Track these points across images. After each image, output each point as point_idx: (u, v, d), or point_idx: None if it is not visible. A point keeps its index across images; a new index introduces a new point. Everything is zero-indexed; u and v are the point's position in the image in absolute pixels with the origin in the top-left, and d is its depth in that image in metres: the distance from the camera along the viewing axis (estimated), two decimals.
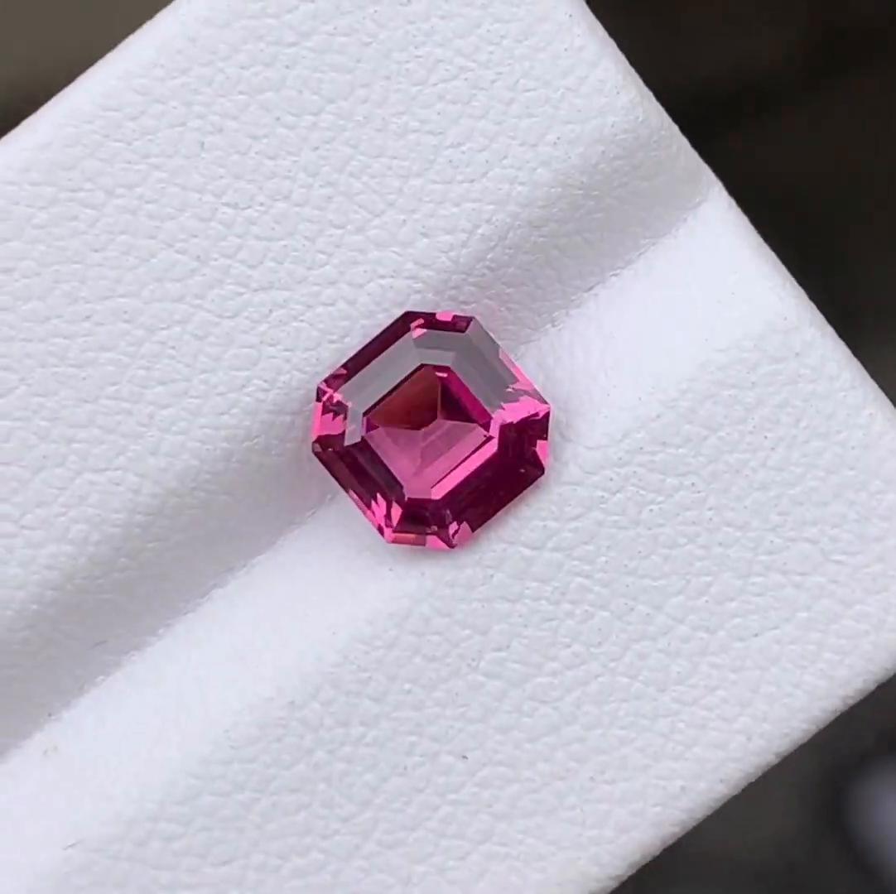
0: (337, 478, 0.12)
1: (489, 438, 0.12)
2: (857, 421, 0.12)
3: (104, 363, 0.12)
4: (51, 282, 0.12)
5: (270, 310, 0.12)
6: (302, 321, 0.12)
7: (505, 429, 0.11)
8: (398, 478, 0.12)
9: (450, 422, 0.12)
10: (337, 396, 0.12)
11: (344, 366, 0.12)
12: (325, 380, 0.12)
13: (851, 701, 0.12)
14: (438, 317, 0.12)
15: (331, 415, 0.12)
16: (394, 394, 0.12)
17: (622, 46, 0.12)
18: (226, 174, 0.12)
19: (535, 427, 0.12)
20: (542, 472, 0.12)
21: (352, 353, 0.12)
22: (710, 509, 0.12)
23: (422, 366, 0.11)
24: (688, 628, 0.12)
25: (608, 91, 0.12)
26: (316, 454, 0.12)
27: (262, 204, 0.12)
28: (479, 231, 0.12)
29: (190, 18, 0.12)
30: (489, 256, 0.12)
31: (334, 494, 0.12)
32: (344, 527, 0.12)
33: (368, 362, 0.12)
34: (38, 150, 0.12)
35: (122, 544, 0.12)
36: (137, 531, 0.12)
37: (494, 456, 0.12)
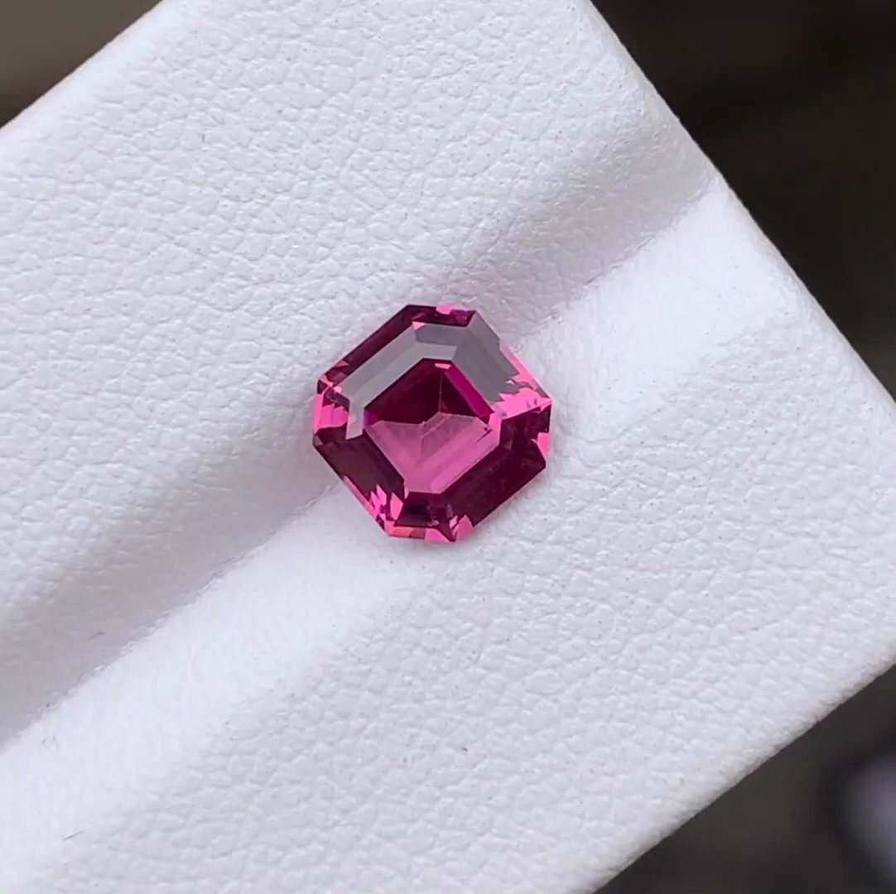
0: (337, 471, 0.12)
1: (490, 432, 0.12)
2: (857, 415, 0.12)
3: (104, 355, 0.12)
4: (51, 274, 0.12)
5: (271, 303, 0.12)
6: (303, 314, 0.12)
7: (506, 422, 0.11)
8: (399, 472, 0.12)
9: (451, 416, 0.12)
10: (338, 389, 0.12)
11: (345, 359, 0.12)
12: (327, 374, 0.12)
13: (850, 694, 0.12)
14: (440, 310, 0.12)
15: (332, 408, 0.12)
16: (395, 387, 0.12)
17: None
18: (227, 166, 0.12)
19: (537, 420, 0.12)
20: (543, 466, 0.12)
21: (353, 346, 0.12)
22: (710, 503, 0.12)
23: (423, 360, 0.11)
24: (687, 621, 0.12)
25: (610, 85, 0.12)
26: (317, 447, 0.12)
27: (263, 196, 0.12)
28: (481, 224, 0.12)
29: (191, 10, 0.11)
30: (490, 250, 0.12)
31: (334, 486, 0.12)
32: (344, 519, 0.12)
33: (370, 356, 0.12)
34: (39, 142, 0.11)
35: (122, 536, 0.12)
36: (137, 523, 0.12)
37: (495, 449, 0.12)
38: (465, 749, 0.12)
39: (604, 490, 0.12)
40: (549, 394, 0.12)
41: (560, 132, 0.12)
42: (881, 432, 0.12)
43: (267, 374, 0.12)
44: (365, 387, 0.12)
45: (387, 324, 0.12)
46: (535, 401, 0.12)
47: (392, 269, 0.12)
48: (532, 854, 0.12)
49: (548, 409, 0.12)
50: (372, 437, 0.12)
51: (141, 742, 0.12)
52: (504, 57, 0.12)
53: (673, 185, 0.12)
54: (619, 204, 0.12)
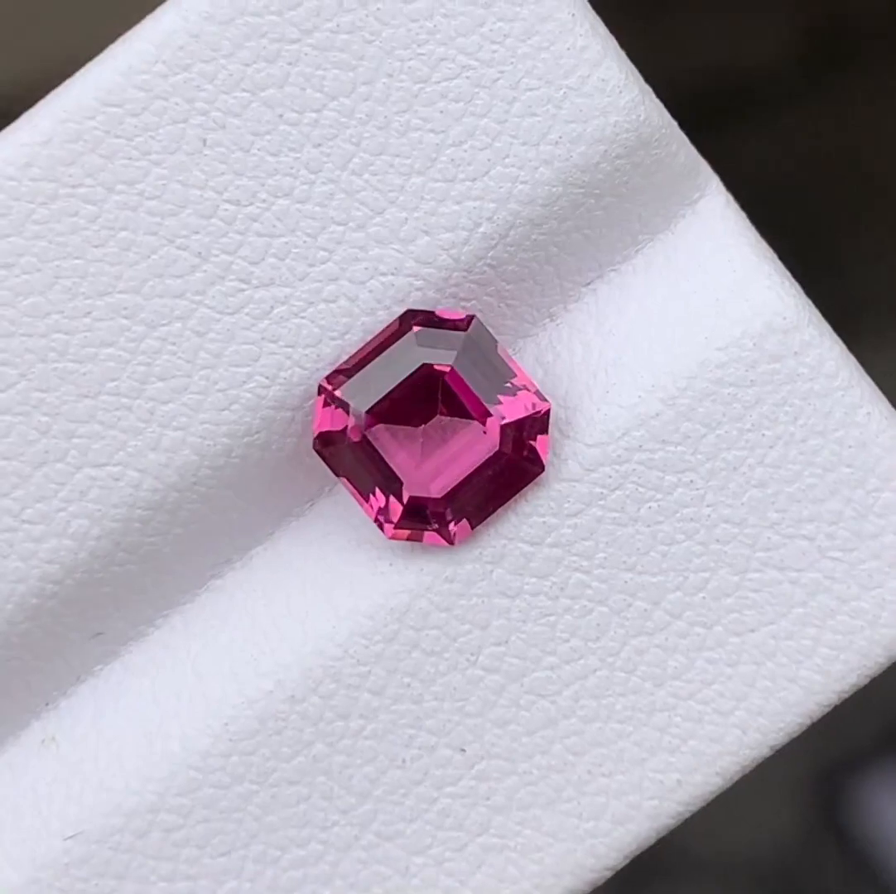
0: (337, 475, 0.12)
1: (490, 435, 0.12)
2: (854, 419, 0.12)
3: (104, 359, 0.12)
4: (51, 277, 0.12)
5: (272, 307, 0.12)
6: (303, 318, 0.12)
7: (506, 426, 0.12)
8: (399, 475, 0.12)
9: (450, 420, 0.12)
10: (338, 393, 0.12)
11: (345, 363, 0.12)
12: (327, 377, 0.12)
13: (845, 696, 0.12)
14: (440, 315, 0.12)
15: (332, 411, 0.12)
16: (395, 391, 0.12)
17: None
18: (227, 171, 0.12)
19: (536, 424, 0.12)
20: (542, 470, 0.12)
21: (353, 350, 0.12)
22: (708, 506, 0.12)
23: (423, 364, 0.12)
24: (685, 623, 0.12)
25: (610, 90, 0.12)
26: (317, 450, 0.12)
27: (263, 201, 0.12)
28: (481, 229, 0.12)
29: (192, 14, 0.12)
30: (490, 254, 0.12)
31: (332, 487, 0.12)
32: (342, 521, 0.12)
33: (370, 360, 0.12)
34: (39, 146, 0.11)
35: (122, 538, 0.12)
36: (137, 526, 0.12)
37: (495, 453, 0.12)
38: (463, 750, 0.12)
39: (602, 493, 0.12)
40: (547, 398, 0.12)
41: (560, 137, 0.12)
42: (878, 436, 0.12)
43: (267, 378, 0.12)
44: (365, 391, 0.12)
45: (387, 328, 0.12)
46: (535, 405, 0.12)
47: (392, 273, 0.12)
48: (530, 854, 0.12)
49: (547, 413, 0.12)
50: (372, 441, 0.12)
51: (141, 742, 0.12)
52: (504, 62, 0.12)
53: (671, 189, 0.12)
54: (618, 208, 0.12)
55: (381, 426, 0.12)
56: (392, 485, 0.12)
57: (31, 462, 0.12)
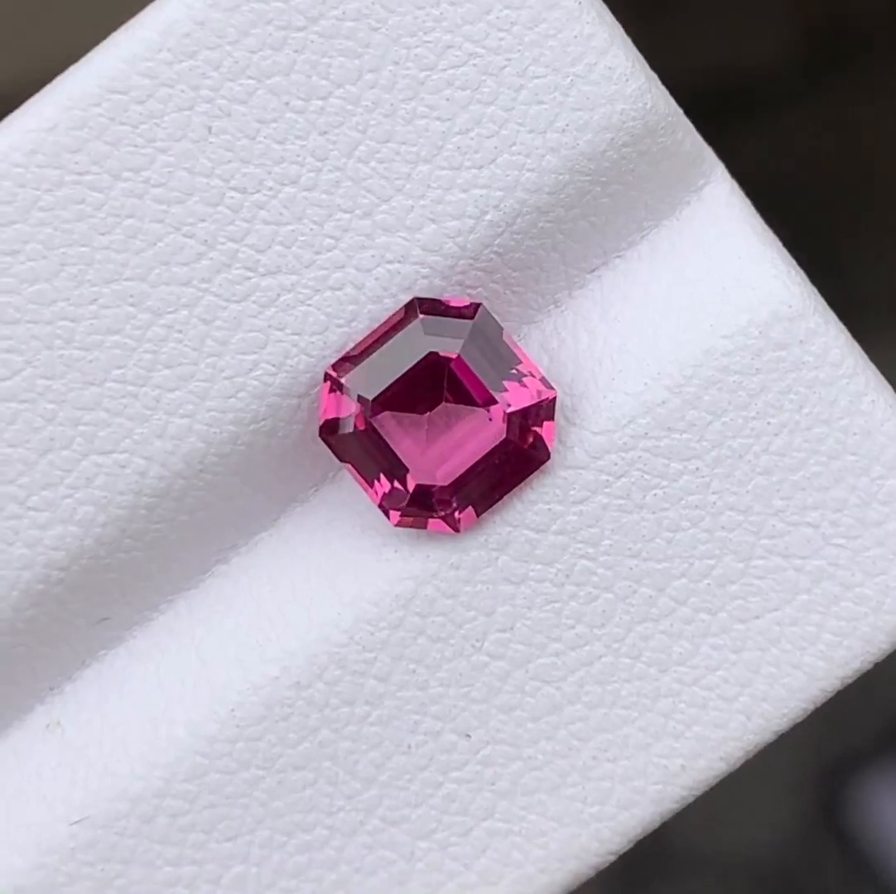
0: (344, 462, 0.12)
1: (496, 423, 0.12)
2: (859, 407, 0.12)
3: (110, 346, 0.12)
4: (57, 264, 0.12)
5: (278, 295, 0.12)
6: (309, 305, 0.12)
7: (512, 414, 0.12)
8: (405, 463, 0.12)
9: (456, 407, 0.12)
10: (344, 381, 0.12)
11: (352, 350, 0.12)
12: (333, 365, 0.12)
13: (848, 681, 0.12)
14: (446, 303, 0.12)
15: (338, 399, 0.12)
16: (401, 379, 0.12)
17: None
18: (234, 158, 0.12)
19: (542, 412, 0.12)
20: (548, 457, 0.12)
21: (359, 338, 0.12)
22: (713, 493, 0.12)
23: (430, 353, 0.12)
24: (690, 610, 0.12)
25: (617, 78, 0.12)
26: (323, 438, 0.12)
27: (270, 188, 0.12)
28: (487, 217, 0.12)
29: (197, 1, 0.11)
30: (496, 242, 0.12)
31: (336, 473, 0.12)
32: (347, 507, 0.12)
33: (376, 347, 0.12)
34: (45, 133, 0.11)
35: (128, 525, 0.12)
36: (143, 512, 0.12)
37: (501, 441, 0.12)
38: (468, 736, 0.12)
39: (608, 480, 0.12)
40: (553, 385, 0.12)
41: (567, 125, 0.12)
42: (883, 424, 0.12)
43: (273, 365, 0.12)
44: (371, 379, 0.12)
45: (393, 315, 0.12)
46: (540, 393, 0.12)
47: (398, 261, 0.12)
48: (534, 838, 0.12)
49: (553, 401, 0.12)
50: (378, 429, 0.12)
51: (146, 727, 0.12)
52: (511, 50, 0.12)
53: (676, 176, 0.12)
54: (624, 195, 0.12)
55: (386, 413, 0.12)
56: (398, 472, 0.12)
57: (36, 449, 0.12)
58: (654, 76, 0.12)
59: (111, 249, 0.12)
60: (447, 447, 0.12)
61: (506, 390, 0.12)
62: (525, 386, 0.12)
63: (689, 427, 0.12)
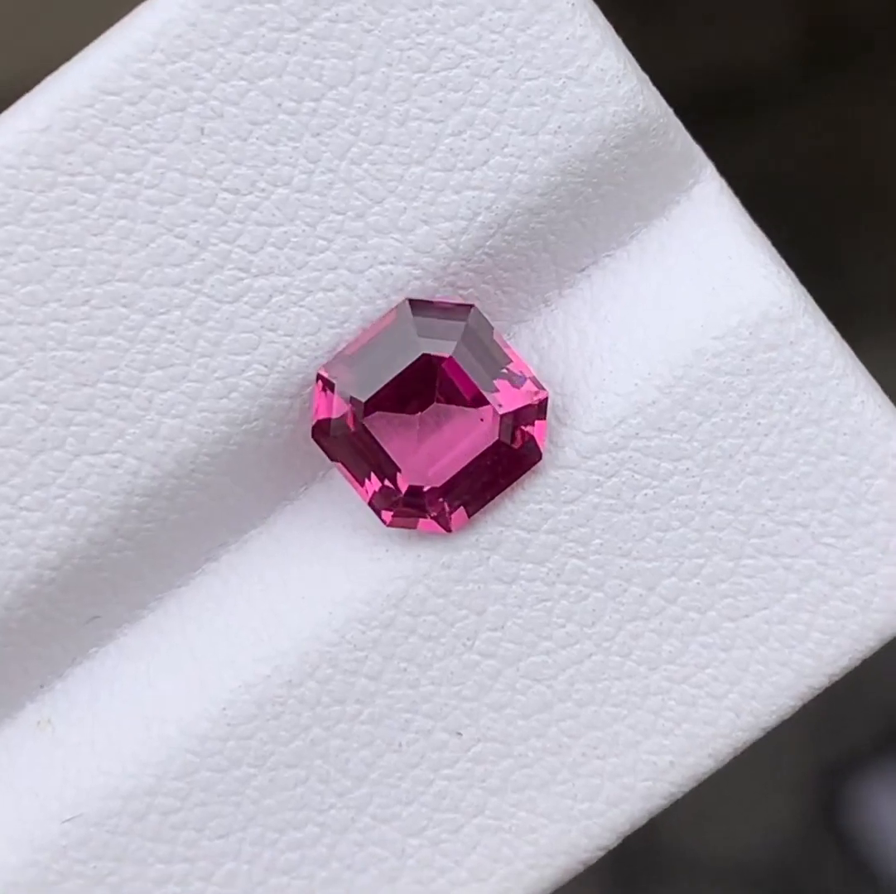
0: (336, 463, 0.12)
1: (488, 424, 0.12)
2: (848, 408, 0.12)
3: (103, 347, 0.12)
4: (49, 265, 0.12)
5: (270, 296, 0.12)
6: (302, 306, 0.12)
7: (504, 415, 0.12)
8: (397, 464, 0.12)
9: (448, 408, 0.12)
10: (336, 381, 0.12)
11: (344, 351, 0.12)
12: (325, 366, 0.12)
13: (836, 678, 0.12)
14: (438, 303, 0.12)
15: (330, 399, 0.12)
16: (393, 380, 0.12)
17: None
18: (226, 160, 0.12)
19: (533, 412, 0.12)
20: (540, 458, 0.12)
21: (351, 339, 0.12)
22: (703, 493, 0.12)
23: (423, 354, 0.12)
24: (679, 608, 0.12)
25: (609, 80, 0.12)
26: (315, 438, 0.12)
27: (262, 190, 0.12)
28: (479, 218, 0.12)
29: (190, 2, 0.11)
30: (488, 243, 0.12)
31: (326, 472, 0.12)
32: (338, 506, 0.12)
33: (369, 348, 0.12)
34: (37, 133, 0.11)
35: (120, 525, 0.12)
36: (135, 512, 0.12)
37: (493, 442, 0.12)
38: (459, 733, 0.12)
39: (599, 480, 0.12)
40: (544, 385, 0.12)
41: (559, 127, 0.12)
42: (872, 424, 0.12)
43: (266, 366, 0.12)
44: (364, 380, 0.12)
45: (385, 316, 0.12)
46: (532, 394, 0.12)
47: (391, 263, 0.12)
48: (524, 835, 0.12)
49: (544, 401, 0.12)
50: (370, 429, 0.12)
51: (138, 726, 0.12)
52: (504, 52, 0.12)
53: (667, 176, 0.12)
54: (615, 196, 0.12)
55: (378, 414, 0.12)
56: (389, 472, 0.12)
57: (28, 449, 0.12)
58: (646, 78, 0.12)
59: (104, 250, 0.12)
60: (439, 447, 0.12)
61: (497, 391, 0.12)
62: (516, 386, 0.12)
63: (680, 427, 0.12)
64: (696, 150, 0.12)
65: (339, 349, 0.12)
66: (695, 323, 0.12)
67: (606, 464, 0.12)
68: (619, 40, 0.12)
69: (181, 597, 0.13)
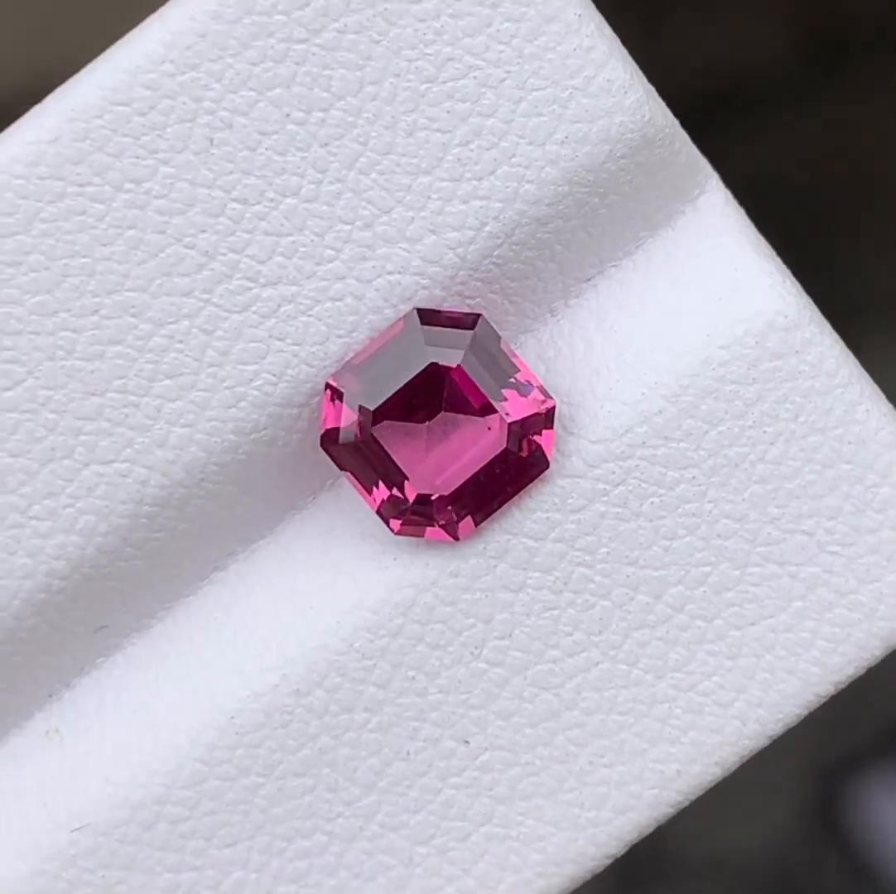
0: (345, 472, 0.12)
1: (496, 432, 0.12)
2: (853, 416, 0.12)
3: (112, 356, 0.12)
4: (59, 275, 0.12)
5: (279, 305, 0.12)
6: (310, 316, 0.12)
7: (512, 424, 0.12)
8: (405, 472, 0.12)
9: (455, 417, 0.12)
10: (345, 391, 0.12)
11: (352, 360, 0.12)
12: (334, 375, 0.12)
13: (842, 686, 0.12)
14: (446, 313, 0.12)
15: (338, 408, 0.12)
16: (401, 389, 0.12)
17: None
18: (235, 170, 0.12)
19: (541, 421, 0.12)
20: (547, 466, 0.12)
21: (359, 348, 0.12)
22: (709, 502, 0.12)
23: (431, 363, 0.12)
24: (686, 617, 0.12)
25: (616, 91, 0.12)
26: (324, 447, 0.12)
27: (271, 200, 0.12)
28: (487, 228, 0.12)
29: (200, 14, 0.12)
30: (496, 253, 0.12)
31: (335, 481, 0.12)
32: (346, 515, 0.12)
33: (377, 358, 0.12)
34: (47, 144, 0.12)
35: (129, 534, 0.12)
36: (144, 522, 0.12)
37: (500, 450, 0.12)
38: (467, 742, 0.12)
39: (605, 489, 0.12)
40: (552, 394, 0.12)
41: (566, 137, 0.12)
42: (877, 433, 0.12)
43: (274, 375, 0.12)
44: (372, 389, 0.12)
45: (394, 326, 0.12)
46: (539, 402, 0.12)
47: (399, 272, 0.12)
48: (532, 843, 0.12)
49: (552, 410, 0.12)
50: (378, 438, 0.12)
51: (146, 735, 0.12)
52: (511, 63, 0.12)
53: (673, 186, 0.12)
54: (621, 206, 0.12)
55: (386, 423, 0.12)
56: (398, 480, 0.12)
57: (38, 459, 0.12)
58: (652, 89, 0.12)
59: (113, 260, 0.12)
60: (446, 456, 0.12)
61: (505, 399, 0.12)
62: (524, 395, 0.12)
63: (686, 436, 0.12)
64: (702, 161, 0.12)
65: (348, 358, 0.12)
66: (701, 332, 0.12)
67: (613, 472, 0.12)
68: (624, 50, 0.12)
69: (189, 606, 0.13)
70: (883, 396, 0.12)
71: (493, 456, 0.12)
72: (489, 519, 0.12)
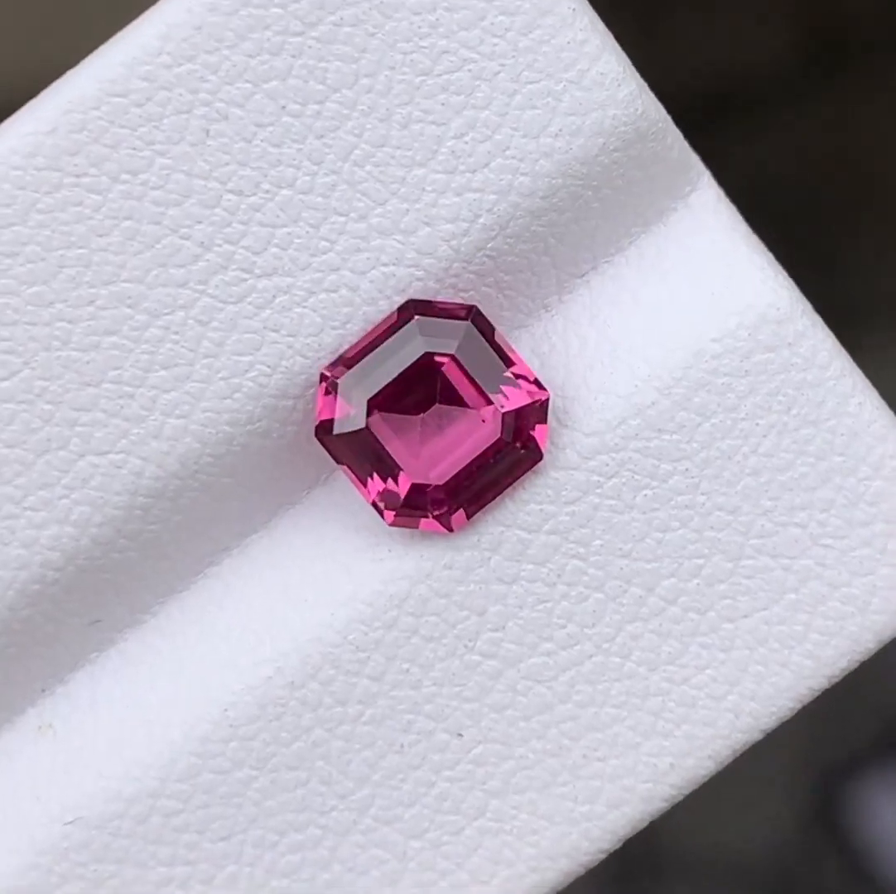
0: (339, 463, 0.12)
1: (490, 424, 0.12)
2: (846, 409, 0.12)
3: (107, 347, 0.12)
4: (55, 266, 0.12)
5: (274, 296, 0.12)
6: (305, 307, 0.12)
7: (506, 415, 0.12)
8: (399, 464, 0.12)
9: (450, 408, 0.12)
10: (340, 382, 0.12)
11: (347, 352, 0.12)
12: (329, 366, 0.12)
13: (835, 680, 0.12)
14: (442, 305, 0.12)
15: (333, 400, 0.12)
16: (395, 380, 0.12)
17: None
18: (231, 161, 0.12)
19: (535, 413, 0.12)
20: (541, 458, 0.12)
21: (354, 339, 0.12)
22: (702, 494, 0.12)
23: (425, 354, 0.12)
24: (679, 609, 0.12)
25: (609, 84, 0.12)
26: (318, 438, 0.12)
27: (266, 191, 0.12)
28: (481, 220, 0.12)
29: (196, 6, 0.12)
30: (490, 245, 0.12)
31: (330, 474, 0.12)
32: (341, 508, 0.12)
33: (371, 349, 0.12)
34: (44, 136, 0.12)
35: (123, 526, 0.12)
36: (139, 513, 0.12)
37: (494, 442, 0.12)
38: (460, 735, 0.12)
39: (599, 481, 0.12)
40: (546, 387, 0.12)
41: (560, 130, 0.12)
42: (869, 425, 0.12)
43: (269, 366, 0.12)
44: (367, 380, 0.12)
45: (388, 317, 0.12)
46: (534, 394, 0.12)
47: (393, 264, 0.12)
48: (525, 837, 0.12)
49: (546, 402, 0.12)
50: (373, 430, 0.12)
51: (139, 729, 0.12)
52: (506, 56, 0.12)
53: (665, 182, 0.12)
54: (615, 200, 0.12)
55: (381, 414, 0.12)
56: (392, 472, 0.12)
57: (33, 450, 0.12)
58: (644, 84, 0.12)
59: (109, 251, 0.12)
60: (441, 448, 0.12)
61: (499, 391, 0.12)
62: (518, 387, 0.12)
63: (679, 428, 0.12)
64: (694, 158, 0.13)
65: (342, 350, 0.12)
66: (693, 325, 0.12)
67: (607, 465, 0.12)
68: (617, 45, 0.12)
69: (183, 601, 0.13)
70: (874, 389, 0.12)
71: (487, 447, 0.12)
72: (483, 511, 0.12)
